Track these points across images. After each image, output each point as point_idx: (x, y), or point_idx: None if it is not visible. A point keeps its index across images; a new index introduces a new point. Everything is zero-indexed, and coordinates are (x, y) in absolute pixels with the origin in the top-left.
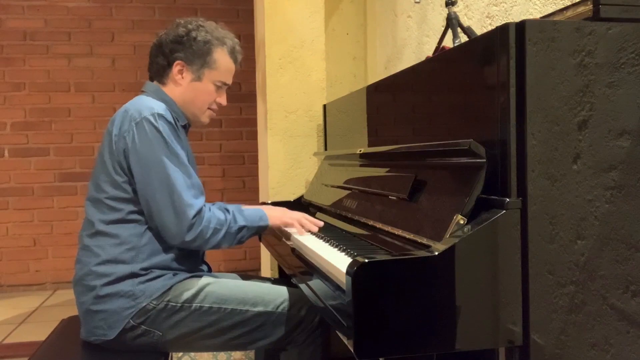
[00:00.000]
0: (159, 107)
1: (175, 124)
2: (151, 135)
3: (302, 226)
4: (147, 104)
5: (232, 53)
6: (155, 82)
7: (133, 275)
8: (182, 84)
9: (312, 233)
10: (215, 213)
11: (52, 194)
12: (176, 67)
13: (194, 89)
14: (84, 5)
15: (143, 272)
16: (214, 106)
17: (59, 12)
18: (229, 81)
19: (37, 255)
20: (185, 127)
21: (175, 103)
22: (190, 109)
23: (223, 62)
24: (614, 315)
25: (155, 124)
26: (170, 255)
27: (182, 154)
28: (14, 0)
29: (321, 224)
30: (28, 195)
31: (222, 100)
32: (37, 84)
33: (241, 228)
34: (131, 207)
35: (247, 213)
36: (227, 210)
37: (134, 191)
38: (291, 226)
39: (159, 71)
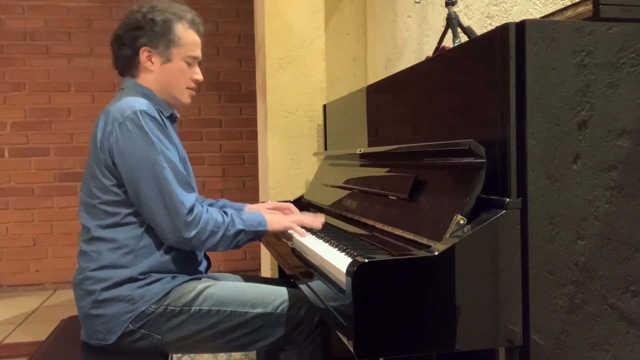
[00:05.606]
0: (141, 103)
1: (161, 117)
2: (135, 134)
3: (305, 226)
4: (128, 103)
5: (193, 24)
6: (127, 77)
7: (132, 280)
8: (153, 70)
9: (313, 233)
10: (213, 215)
11: (52, 194)
12: (143, 54)
13: (167, 71)
14: (84, 5)
15: (142, 277)
16: (191, 84)
17: (59, 12)
18: (198, 54)
19: (37, 255)
20: (172, 119)
21: (154, 93)
22: (169, 93)
23: (187, 37)
24: (614, 315)
25: (139, 121)
26: (169, 257)
27: (170, 150)
28: (14, 0)
29: (322, 219)
30: (28, 195)
31: (198, 75)
32: (37, 84)
33: (239, 232)
34: (126, 210)
35: (246, 217)
36: (226, 213)
37: (126, 192)
38: (292, 229)
39: (126, 64)
